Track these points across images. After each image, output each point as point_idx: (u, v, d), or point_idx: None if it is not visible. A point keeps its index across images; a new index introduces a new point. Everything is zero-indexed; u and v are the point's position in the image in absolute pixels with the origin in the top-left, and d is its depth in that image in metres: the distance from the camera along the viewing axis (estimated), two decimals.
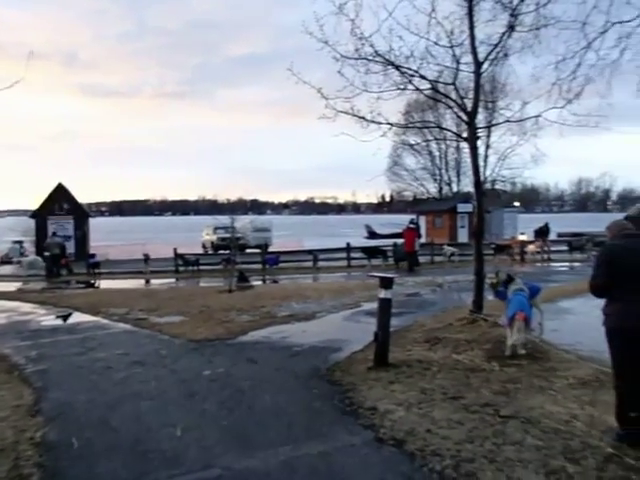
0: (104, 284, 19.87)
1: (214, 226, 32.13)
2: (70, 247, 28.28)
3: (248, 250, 29.60)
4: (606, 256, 4.39)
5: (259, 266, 23.09)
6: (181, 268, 22.91)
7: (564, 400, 5.39)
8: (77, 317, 12.14)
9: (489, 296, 9.33)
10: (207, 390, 6.33)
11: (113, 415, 5.55)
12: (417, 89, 9.50)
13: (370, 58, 9.12)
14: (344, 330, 9.79)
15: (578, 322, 9.29)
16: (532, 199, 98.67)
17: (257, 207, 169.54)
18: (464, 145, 43.48)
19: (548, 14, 7.39)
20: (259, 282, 19.17)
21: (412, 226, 22.25)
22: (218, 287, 16.07)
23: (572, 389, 5.75)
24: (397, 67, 9.11)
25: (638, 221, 11.64)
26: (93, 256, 24.24)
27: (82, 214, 32.18)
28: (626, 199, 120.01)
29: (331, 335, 9.27)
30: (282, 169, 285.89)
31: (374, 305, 12.64)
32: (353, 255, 23.45)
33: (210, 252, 31.74)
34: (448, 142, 46.20)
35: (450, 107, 10.02)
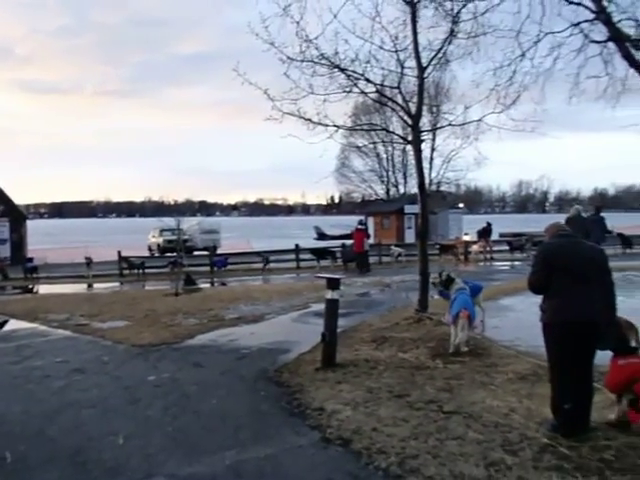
0: (43, 289, 19.06)
1: (160, 228, 31.43)
2: (5, 251, 26.98)
3: (196, 252, 29.11)
4: (543, 255, 4.60)
5: (207, 268, 22.77)
6: (126, 271, 22.26)
7: (504, 394, 5.58)
8: (13, 324, 11.54)
9: (435, 295, 9.57)
10: (151, 396, 6.18)
11: (51, 425, 5.33)
12: (362, 92, 9.63)
13: (316, 61, 9.18)
14: (293, 331, 9.79)
15: (518, 319, 9.66)
16: (476, 201, 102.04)
17: (205, 208, 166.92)
18: (410, 147, 44.47)
19: (486, 22, 7.67)
20: (207, 285, 18.89)
21: (361, 227, 22.49)
22: (164, 290, 15.73)
23: (511, 383, 5.96)
24: (342, 70, 9.21)
25: (576, 222, 12.30)
26: (31, 260, 23.22)
27: (19, 216, 30.76)
28: (562, 200, 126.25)
29: (280, 337, 9.24)
30: (231, 170, 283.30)
31: (323, 306, 12.75)
32: (302, 256, 23.49)
33: (157, 255, 30.99)
34: (395, 145, 47.10)
35: (395, 110, 10.21)
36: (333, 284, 7.19)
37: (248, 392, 6.28)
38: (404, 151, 47.21)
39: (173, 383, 6.69)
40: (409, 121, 9.66)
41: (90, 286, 19.24)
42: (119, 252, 22.40)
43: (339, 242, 26.01)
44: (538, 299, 4.77)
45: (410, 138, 10.06)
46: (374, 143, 44.56)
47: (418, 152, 9.76)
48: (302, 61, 9.15)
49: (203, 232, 33.96)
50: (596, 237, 11.59)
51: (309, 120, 9.61)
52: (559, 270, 4.41)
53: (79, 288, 18.91)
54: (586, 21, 5.38)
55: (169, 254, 26.53)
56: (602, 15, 4.92)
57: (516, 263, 22.95)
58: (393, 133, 11.93)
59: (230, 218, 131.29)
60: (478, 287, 8.70)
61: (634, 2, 5.22)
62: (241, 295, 14.00)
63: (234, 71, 9.47)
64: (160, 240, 32.73)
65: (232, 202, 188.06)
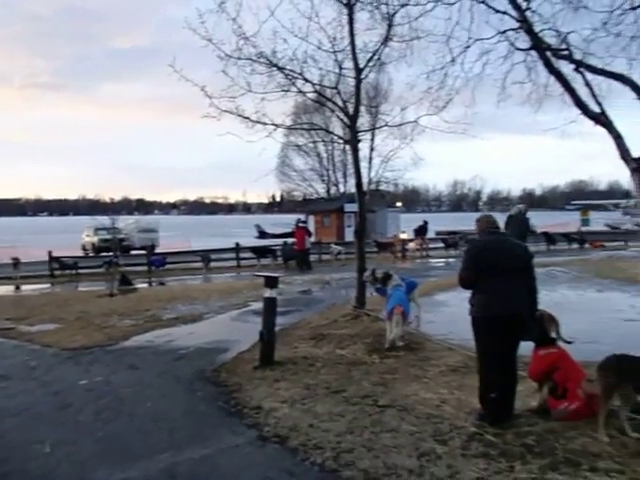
0: None
1: (95, 227, 30.23)
2: None
3: (133, 252, 28.23)
4: (472, 252, 4.81)
5: (145, 268, 22.14)
6: (57, 272, 21.28)
7: (436, 386, 5.79)
8: None
9: (373, 292, 9.75)
10: (82, 401, 5.96)
11: None
12: (300, 91, 9.67)
13: (254, 59, 9.13)
14: (232, 331, 9.70)
15: (452, 313, 10.00)
16: (413, 199, 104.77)
17: (144, 207, 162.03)
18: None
19: (420, 27, 7.90)
20: (144, 285, 18.37)
21: (302, 225, 22.59)
22: (99, 291, 15.17)
23: (443, 376, 6.19)
24: (280, 69, 9.22)
25: (516, 220, 12.99)
26: None
27: None
28: (494, 200, 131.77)
29: (218, 336, 9.14)
30: (170, 167, 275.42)
31: (262, 304, 12.77)
32: (243, 255, 23.29)
33: (91, 254, 29.80)
34: (335, 144, 47.57)
35: (333, 111, 10.32)
36: (271, 282, 7.20)
37: (185, 393, 6.19)
38: (344, 150, 47.70)
39: (106, 387, 6.49)
40: (347, 121, 9.79)
41: (17, 288, 18.27)
42: (49, 252, 21.38)
43: (280, 240, 26.03)
44: (470, 294, 4.97)
45: (348, 138, 10.19)
46: (314, 142, 44.85)
47: (355, 152, 9.92)
48: (240, 58, 9.08)
49: (140, 231, 32.95)
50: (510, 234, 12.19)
51: (247, 118, 9.55)
52: (486, 266, 4.62)
53: (5, 290, 17.90)
54: (511, 29, 5.65)
55: (104, 254, 25.58)
56: (525, 24, 5.19)
57: (451, 260, 23.74)
58: (331, 133, 12.05)
59: (169, 217, 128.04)
60: (414, 283, 8.94)
61: (555, 14, 5.54)
62: (179, 295, 13.73)
63: (170, 67, 9.27)
64: (95, 239, 31.47)
65: (171, 200, 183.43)
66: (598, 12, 5.35)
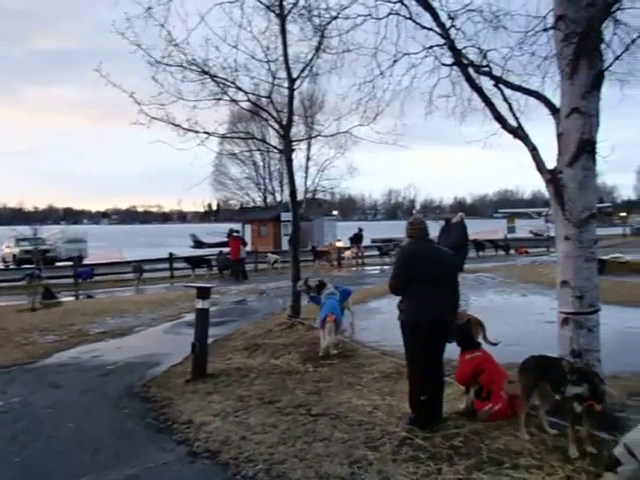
0: None
1: (16, 237, 28.53)
2: None
3: (59, 263, 26.86)
4: (402, 259, 4.92)
5: (71, 280, 21.12)
6: None
7: (369, 393, 5.85)
8: None
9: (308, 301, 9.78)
10: None
11: None
12: (233, 100, 9.59)
13: (185, 65, 8.97)
14: (163, 343, 9.43)
15: (384, 320, 10.15)
16: (350, 208, 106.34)
17: (71, 216, 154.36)
18: None
19: (351, 40, 8.03)
20: (70, 298, 17.51)
21: (236, 235, 22.38)
22: (19, 306, 14.30)
23: (376, 382, 6.27)
24: (212, 77, 9.11)
25: (458, 227, 13.82)
26: None
27: None
28: (427, 208, 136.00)
29: (149, 350, 8.86)
30: (101, 175, 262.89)
31: None
32: (177, 265, 22.71)
33: (12, 267, 28.07)
34: (271, 153, 47.54)
35: (267, 120, 10.30)
36: (203, 293, 7.06)
37: (111, 411, 5.94)
38: (280, 159, 47.82)
39: (24, 408, 6.11)
40: (280, 131, 9.80)
41: None
42: None
43: (216, 250, 25.62)
44: (399, 300, 5.08)
45: (282, 147, 10.20)
46: (250, 150, 44.69)
47: (289, 161, 9.94)
48: (170, 65, 8.89)
49: (67, 241, 31.41)
50: (453, 241, 12.70)
51: (178, 126, 9.36)
52: (415, 273, 4.74)
53: None
54: (437, 45, 5.86)
55: (27, 266, 24.16)
56: (448, 41, 5.41)
57: (385, 267, 24.25)
58: (266, 142, 12.02)
59: (100, 226, 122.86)
60: (347, 291, 9.05)
61: (477, 32, 5.81)
62: (108, 308, 13.19)
63: (96, 71, 8.95)
64: (16, 250, 29.64)
65: (102, 209, 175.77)
66: (515, 32, 5.66)
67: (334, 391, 6.02)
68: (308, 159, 44.34)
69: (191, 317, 12.07)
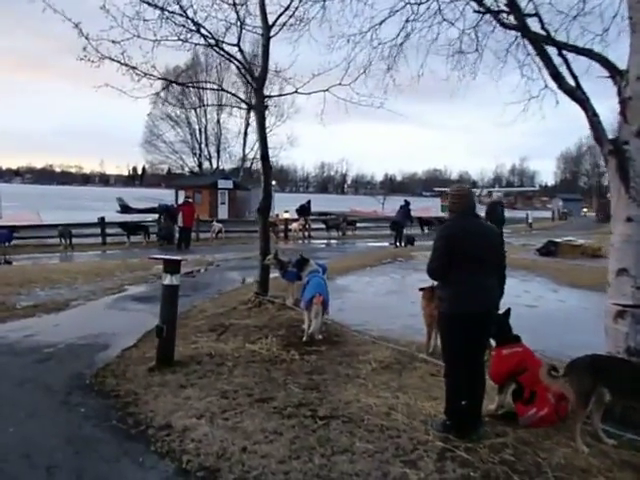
0: None
1: None
2: None
3: None
4: (445, 237, 4.06)
5: None
6: None
7: (375, 389, 5.07)
8: None
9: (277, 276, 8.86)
10: None
11: None
12: (197, 44, 8.33)
13: None
14: (109, 321, 8.17)
15: (358, 300, 9.46)
16: (282, 179, 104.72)
17: None
18: (225, 120, 42.84)
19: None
20: None
21: (190, 200, 20.94)
22: None
23: (377, 375, 5.51)
24: (171, 13, 7.80)
25: (495, 208, 13.21)
26: None
27: None
28: (358, 183, 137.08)
29: (93, 328, 7.59)
30: (13, 130, 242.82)
31: (141, 289, 11.19)
32: (109, 231, 20.75)
33: None
34: (209, 116, 45.28)
35: (239, 70, 9.05)
36: (172, 267, 5.94)
37: (60, 410, 4.78)
38: (218, 123, 45.72)
39: None
40: (253, 84, 8.61)
41: None
42: None
43: (147, 216, 23.87)
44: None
45: (253, 102, 9.01)
46: (184, 108, 42.27)
47: (262, 119, 8.76)
48: None
49: None
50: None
51: (134, 68, 8.00)
52: (462, 255, 3.93)
53: None
54: None
55: None
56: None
57: (332, 242, 23.62)
58: (232, 94, 10.77)
59: (12, 185, 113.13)
60: (324, 267, 8.19)
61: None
62: (36, 277, 11.51)
63: None
64: None
65: (14, 167, 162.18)
66: None
67: (334, 386, 5.19)
68: (247, 125, 42.69)
69: (136, 290, 10.86)
